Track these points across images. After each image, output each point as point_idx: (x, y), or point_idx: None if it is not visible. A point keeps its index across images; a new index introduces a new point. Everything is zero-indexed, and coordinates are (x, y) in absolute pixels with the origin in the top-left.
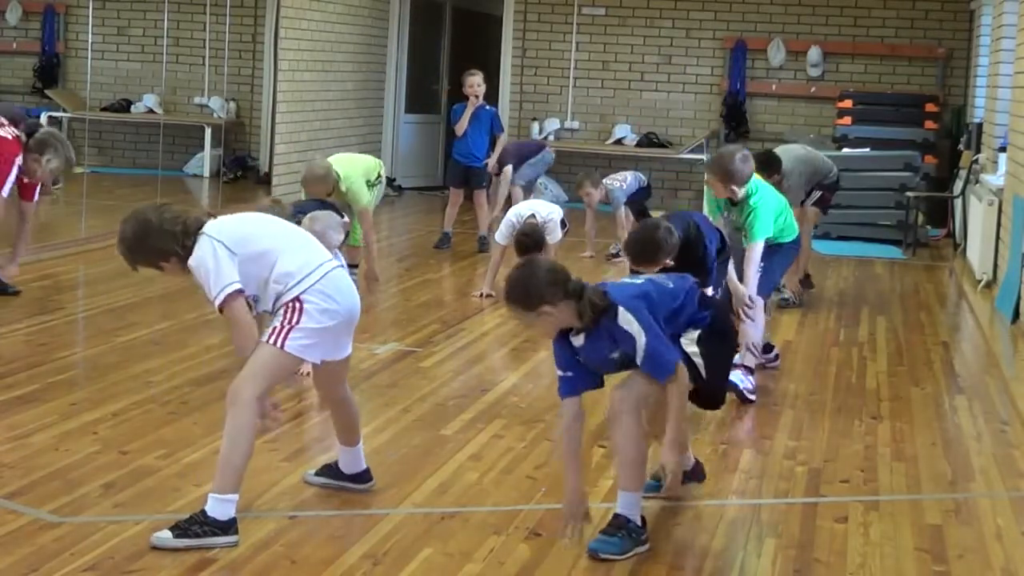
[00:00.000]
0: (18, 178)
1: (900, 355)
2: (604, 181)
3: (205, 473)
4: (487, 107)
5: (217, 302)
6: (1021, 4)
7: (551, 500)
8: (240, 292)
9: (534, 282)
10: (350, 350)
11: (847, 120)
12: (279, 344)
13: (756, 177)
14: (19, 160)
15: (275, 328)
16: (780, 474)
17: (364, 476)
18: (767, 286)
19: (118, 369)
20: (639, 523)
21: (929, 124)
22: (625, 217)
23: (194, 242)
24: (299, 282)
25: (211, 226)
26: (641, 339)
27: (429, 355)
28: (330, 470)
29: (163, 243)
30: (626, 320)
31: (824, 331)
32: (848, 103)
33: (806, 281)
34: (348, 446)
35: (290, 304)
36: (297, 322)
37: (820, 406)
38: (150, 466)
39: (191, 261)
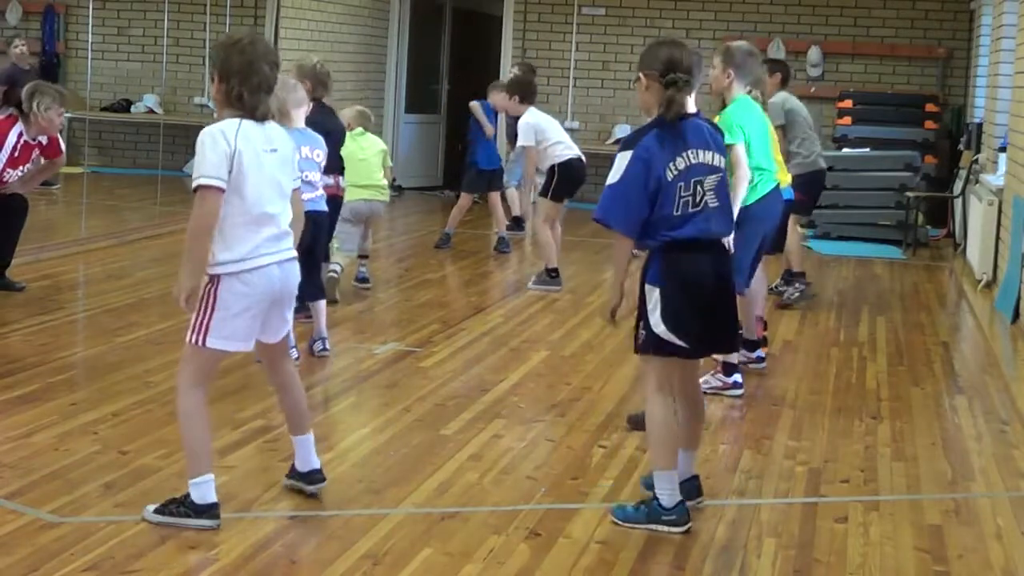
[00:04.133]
0: (37, 144)
1: (900, 355)
2: None
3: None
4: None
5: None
6: (1021, 4)
7: (551, 500)
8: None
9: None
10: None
11: (847, 120)
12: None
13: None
14: (16, 132)
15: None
16: (780, 474)
17: (313, 476)
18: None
19: (118, 369)
20: (666, 503)
21: (929, 124)
22: None
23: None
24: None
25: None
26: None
27: (429, 355)
28: (291, 470)
29: (234, 71)
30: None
31: (824, 331)
32: (848, 103)
33: (792, 278)
34: (293, 435)
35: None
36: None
37: (820, 406)
38: (150, 466)
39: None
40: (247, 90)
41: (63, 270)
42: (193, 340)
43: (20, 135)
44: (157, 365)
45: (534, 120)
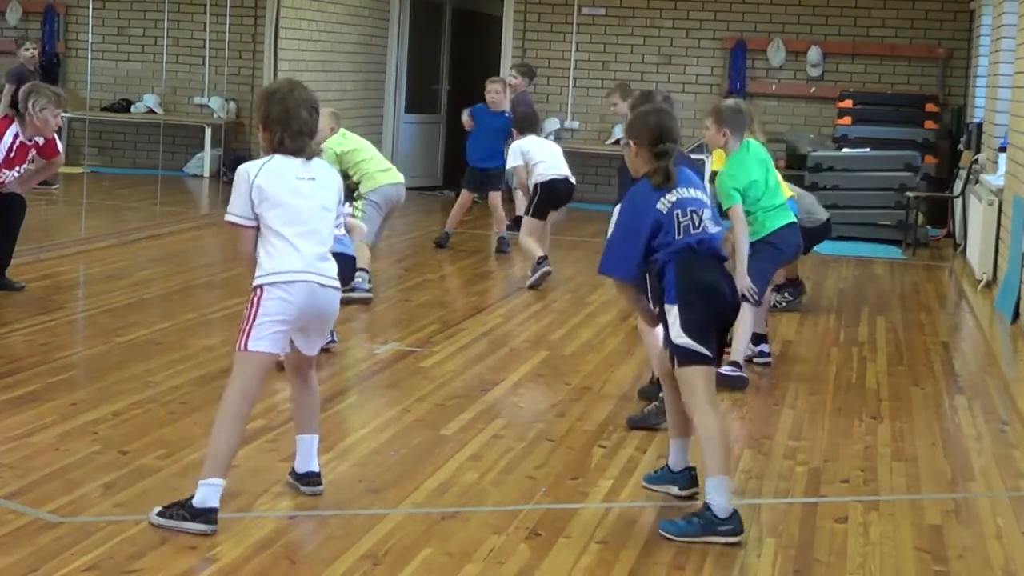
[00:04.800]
0: (33, 144)
1: (900, 355)
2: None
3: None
4: (506, 113)
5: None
6: (1021, 4)
7: (551, 500)
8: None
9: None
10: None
11: (847, 120)
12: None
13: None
14: (12, 133)
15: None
16: (780, 474)
17: (310, 478)
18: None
19: (118, 369)
20: (720, 512)
21: (929, 124)
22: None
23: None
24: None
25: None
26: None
27: (429, 355)
28: (293, 468)
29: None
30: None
31: (824, 331)
32: (848, 103)
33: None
34: (298, 433)
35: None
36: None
37: (820, 406)
38: (150, 466)
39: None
40: (288, 136)
41: (63, 270)
42: (238, 346)
43: (16, 136)
44: (157, 365)
45: (522, 142)
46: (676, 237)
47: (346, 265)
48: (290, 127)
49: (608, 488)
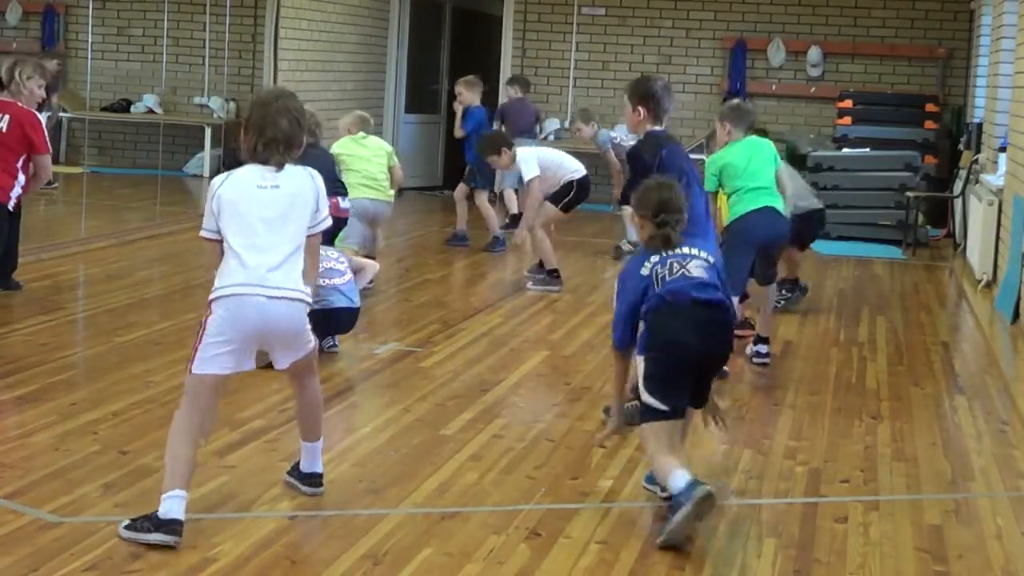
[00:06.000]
0: (26, 137)
1: (900, 355)
2: (596, 124)
3: (204, 474)
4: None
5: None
6: (1021, 4)
7: (551, 500)
8: None
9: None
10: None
11: (847, 120)
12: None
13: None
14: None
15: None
16: (780, 474)
17: (313, 479)
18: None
19: (118, 369)
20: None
21: (929, 124)
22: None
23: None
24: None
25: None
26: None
27: (429, 355)
28: (293, 467)
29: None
30: None
31: (824, 331)
32: (848, 103)
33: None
34: (302, 440)
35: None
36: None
37: (820, 406)
38: (150, 466)
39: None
40: (262, 143)
41: (63, 270)
42: (188, 367)
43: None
44: (157, 365)
45: (528, 152)
46: (654, 291)
47: (347, 317)
48: (265, 133)
49: (608, 488)
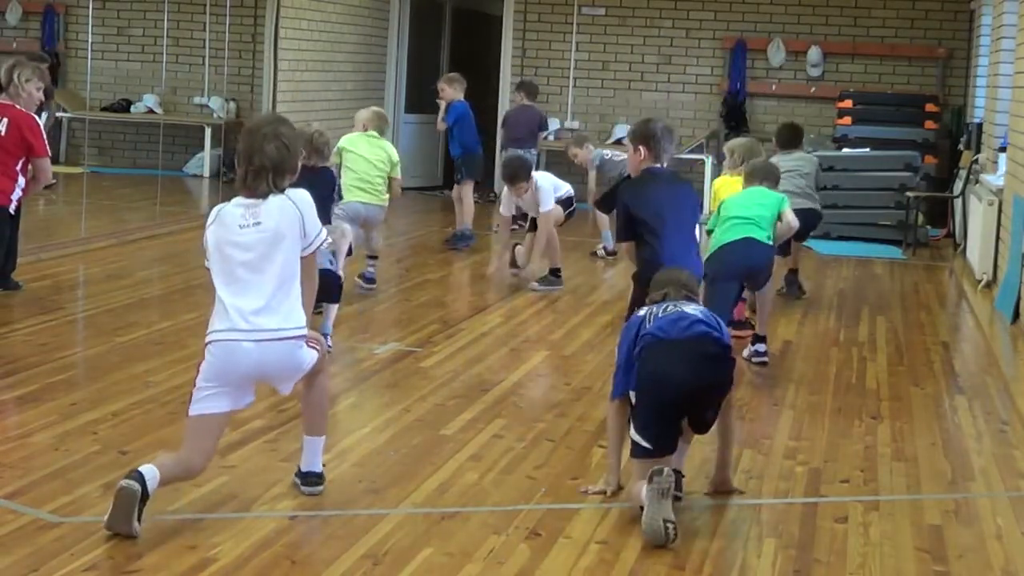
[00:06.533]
0: (25, 140)
1: (900, 355)
2: (591, 146)
3: (204, 474)
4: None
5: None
6: (1021, 4)
7: (551, 500)
8: None
9: None
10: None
11: (847, 120)
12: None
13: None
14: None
15: None
16: (780, 474)
17: (309, 477)
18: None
19: (118, 369)
20: None
21: (929, 124)
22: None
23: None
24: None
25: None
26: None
27: (429, 355)
28: (298, 467)
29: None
30: None
31: (824, 331)
32: (848, 103)
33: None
34: (303, 433)
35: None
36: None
37: (820, 406)
38: None
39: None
40: (250, 173)
41: (63, 270)
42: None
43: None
44: (157, 365)
45: (546, 179)
46: (645, 328)
47: (329, 282)
48: (252, 162)
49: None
